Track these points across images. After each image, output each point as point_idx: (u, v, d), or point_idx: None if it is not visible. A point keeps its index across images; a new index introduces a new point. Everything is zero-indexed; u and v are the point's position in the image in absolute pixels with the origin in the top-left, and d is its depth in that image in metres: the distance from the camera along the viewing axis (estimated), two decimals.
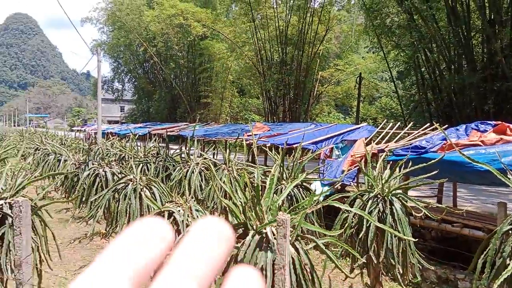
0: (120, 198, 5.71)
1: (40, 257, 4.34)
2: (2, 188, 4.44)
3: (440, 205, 5.31)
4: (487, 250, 3.49)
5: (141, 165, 7.52)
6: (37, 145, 13.28)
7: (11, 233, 3.91)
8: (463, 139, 6.75)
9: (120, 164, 8.12)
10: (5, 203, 4.24)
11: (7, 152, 8.16)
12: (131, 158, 8.27)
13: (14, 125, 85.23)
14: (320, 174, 7.87)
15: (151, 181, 5.84)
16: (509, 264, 3.30)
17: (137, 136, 11.66)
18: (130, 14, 35.91)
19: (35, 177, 5.06)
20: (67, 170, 8.85)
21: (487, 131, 6.95)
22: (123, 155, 9.71)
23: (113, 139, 13.76)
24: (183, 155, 8.16)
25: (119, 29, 38.75)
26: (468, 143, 6.44)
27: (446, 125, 7.56)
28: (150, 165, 7.95)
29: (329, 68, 29.56)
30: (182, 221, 4.35)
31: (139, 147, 9.90)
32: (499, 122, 7.26)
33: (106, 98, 49.24)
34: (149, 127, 22.87)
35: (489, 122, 7.39)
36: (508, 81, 14.94)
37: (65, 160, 9.94)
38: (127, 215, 5.53)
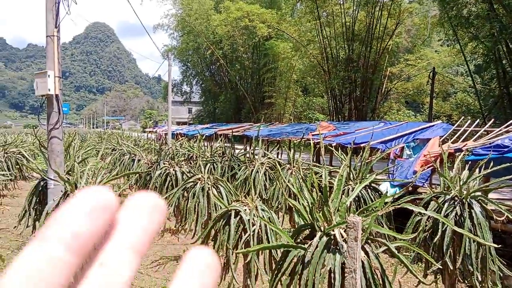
0: (189, 196, 5.93)
1: None
2: (83, 187, 4.82)
3: None
4: None
5: (208, 164, 7.74)
6: (114, 145, 14.28)
7: None
8: None
9: (189, 164, 8.43)
10: None
11: (88, 153, 8.87)
12: (198, 157, 8.55)
13: (93, 127, 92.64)
14: (390, 175, 7.52)
15: (218, 180, 5.98)
16: None
17: (204, 137, 12.06)
18: (199, 18, 37.25)
19: (112, 176, 5.42)
20: (141, 170, 9.40)
21: None
22: (191, 155, 10.07)
23: (182, 139, 14.35)
24: (248, 155, 8.27)
25: (188, 34, 40.34)
26: None
27: None
28: (217, 164, 8.17)
29: (399, 63, 28.26)
30: (248, 220, 4.39)
31: (206, 147, 10.21)
32: None
33: (175, 100, 51.48)
34: (215, 128, 23.54)
35: None
36: None
37: (139, 160, 10.57)
38: (196, 212, 5.72)
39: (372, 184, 5.94)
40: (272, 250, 4.28)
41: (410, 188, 7.26)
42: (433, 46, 32.76)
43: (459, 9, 19.71)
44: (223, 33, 33.77)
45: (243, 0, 31.99)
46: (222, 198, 5.61)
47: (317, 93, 33.89)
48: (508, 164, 4.53)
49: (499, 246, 3.96)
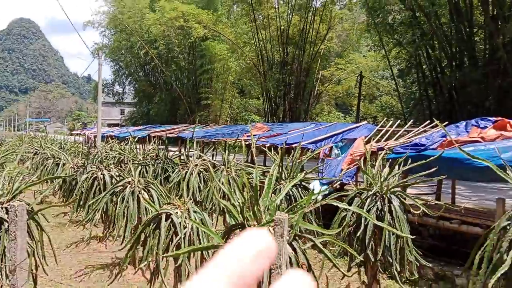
0: (117, 201, 5.69)
1: (35, 262, 4.32)
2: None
3: (438, 202, 5.26)
4: (484, 246, 3.46)
5: (140, 167, 7.50)
6: (36, 149, 13.28)
7: (6, 238, 3.88)
8: (463, 136, 6.71)
9: (119, 167, 8.10)
10: (1, 207, 4.22)
11: (6, 157, 8.16)
12: (130, 161, 8.25)
13: (14, 130, 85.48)
14: (319, 173, 7.83)
15: (149, 183, 5.82)
16: (506, 260, 3.26)
17: (136, 139, 11.64)
18: (132, 17, 36.04)
19: (32, 181, 5.04)
20: (65, 174, 8.83)
21: (487, 127, 6.91)
22: (122, 158, 9.69)
23: (112, 142, 13.75)
24: (182, 157, 8.14)
25: (120, 32, 38.97)
26: (468, 140, 6.39)
27: (447, 122, 7.51)
28: (149, 167, 7.93)
29: (330, 67, 29.53)
30: (180, 222, 4.32)
31: (138, 150, 9.88)
32: (499, 118, 7.21)
33: (107, 101, 49.34)
34: (149, 130, 22.90)
35: (489, 118, 7.34)
36: (510, 77, 14.88)
37: (64, 164, 9.94)
38: (125, 218, 5.51)
39: (303, 183, 6.14)
40: (204, 252, 4.24)
41: (338, 186, 7.62)
42: (362, 51, 34.70)
43: (385, 16, 21.10)
44: (158, 33, 32.98)
45: (179, 0, 31.48)
46: (154, 202, 5.46)
47: (253, 95, 34.34)
48: (424, 161, 4.90)
49: (414, 237, 4.29)
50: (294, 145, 8.62)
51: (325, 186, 6.99)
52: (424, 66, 20.44)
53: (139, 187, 5.74)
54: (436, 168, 4.77)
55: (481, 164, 4.36)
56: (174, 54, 36.07)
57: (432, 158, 4.88)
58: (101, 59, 19.50)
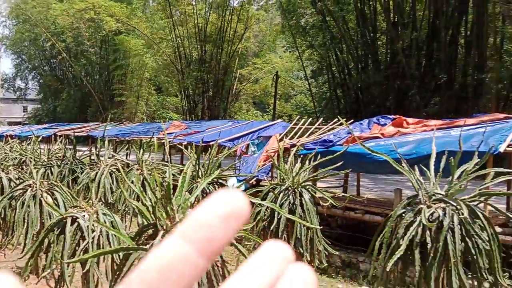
0: (17, 206, 5.20)
1: None
2: None
3: (345, 194, 5.67)
4: (383, 232, 3.80)
5: (44, 169, 6.93)
6: None
7: None
8: (366, 133, 7.29)
9: (19, 169, 7.39)
10: None
11: None
12: (31, 162, 7.58)
13: None
14: (236, 170, 7.94)
15: (53, 185, 5.40)
16: (401, 244, 3.62)
17: (40, 138, 10.70)
18: (37, 7, 32.97)
19: None
20: None
21: (386, 124, 7.59)
22: (24, 159, 8.86)
23: (12, 142, 12.47)
24: (92, 157, 7.68)
25: (23, 23, 35.58)
26: (370, 136, 6.96)
27: (352, 120, 8.10)
28: (54, 168, 7.36)
29: (248, 66, 29.99)
30: (87, 226, 4.08)
31: (42, 150, 9.11)
32: (397, 116, 7.96)
33: (7, 97, 45.04)
34: (55, 128, 21.25)
35: (388, 116, 8.07)
36: (408, 79, 16.49)
37: None
38: (25, 224, 5.05)
39: (220, 180, 6.18)
40: (115, 256, 4.06)
41: (254, 182, 7.81)
42: (278, 52, 35.80)
43: (298, 19, 22.03)
44: (65, 24, 30.55)
45: None
46: (58, 205, 5.08)
47: (171, 92, 33.52)
48: (331, 156, 5.23)
49: (321, 227, 4.57)
50: (211, 143, 8.63)
51: (243, 183, 7.12)
52: (333, 68, 21.72)
53: (41, 190, 5.30)
54: (342, 163, 5.12)
55: (380, 158, 4.79)
56: (84, 47, 33.74)
57: (338, 153, 5.24)
58: (1, 52, 17.55)
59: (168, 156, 5.10)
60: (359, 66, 20.04)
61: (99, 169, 6.94)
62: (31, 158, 8.48)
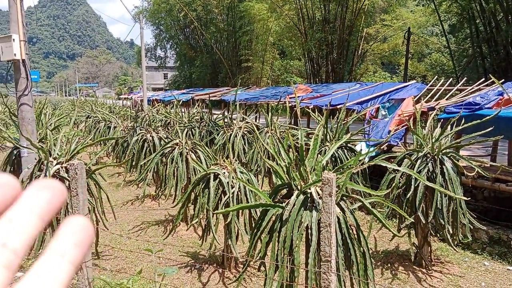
0: (167, 162, 5.91)
1: (96, 217, 4.64)
2: (58, 154, 4.71)
3: (494, 164, 5.02)
4: None
5: (186, 130, 7.68)
6: (88, 113, 13.92)
7: (68, 195, 4.17)
8: None
9: (166, 130, 8.35)
10: (62, 167, 4.52)
11: (60, 121, 8.63)
12: (176, 123, 8.46)
13: (65, 95, 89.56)
14: (366, 135, 7.66)
15: (196, 145, 5.97)
16: None
17: (180, 102, 11.86)
18: None
19: (87, 142, 5.32)
20: (117, 136, 9.25)
21: None
22: (168, 121, 9.96)
23: (158, 105, 14.11)
24: (226, 120, 8.23)
25: None
26: None
27: (503, 80, 7.00)
28: (195, 130, 8.11)
29: (375, 24, 28.04)
30: (228, 182, 4.44)
31: (183, 113, 10.09)
32: None
33: (150, 66, 50.22)
34: (192, 93, 23.21)
35: None
36: None
37: (115, 127, 10.38)
38: (175, 177, 5.73)
39: (348, 145, 6.05)
40: (252, 210, 4.36)
41: (385, 148, 7.44)
42: (409, 6, 32.60)
43: None
44: None
45: None
46: (201, 163, 5.63)
47: (294, 56, 33.52)
48: (479, 121, 4.65)
49: (469, 199, 4.15)
50: (338, 107, 8.45)
51: (372, 148, 6.85)
52: (477, 21, 18.96)
53: (186, 149, 5.92)
54: (492, 128, 4.52)
55: None
56: (213, 15, 35.62)
57: (488, 117, 4.62)
58: (142, 23, 19.67)
59: (299, 120, 5.17)
60: (510, 17, 17.05)
61: (232, 131, 7.43)
62: (174, 120, 9.48)
